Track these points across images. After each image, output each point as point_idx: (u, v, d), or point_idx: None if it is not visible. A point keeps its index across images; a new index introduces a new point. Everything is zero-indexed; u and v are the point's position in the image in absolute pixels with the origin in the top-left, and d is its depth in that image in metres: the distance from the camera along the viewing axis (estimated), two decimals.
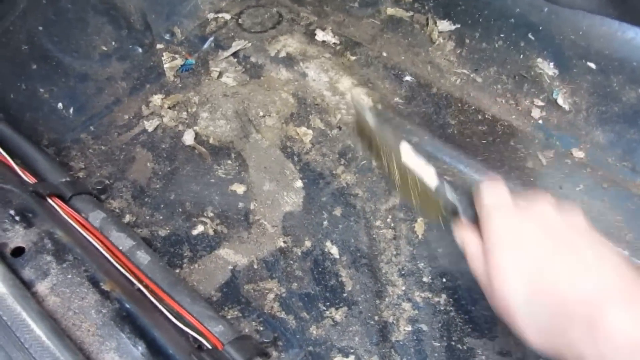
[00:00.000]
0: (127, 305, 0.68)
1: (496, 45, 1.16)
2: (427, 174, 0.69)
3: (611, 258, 0.54)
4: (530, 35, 1.14)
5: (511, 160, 0.98)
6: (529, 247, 0.56)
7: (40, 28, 1.12)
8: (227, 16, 1.28)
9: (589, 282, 0.52)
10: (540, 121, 1.05)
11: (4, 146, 0.91)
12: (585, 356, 0.50)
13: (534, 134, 1.03)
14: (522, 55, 1.13)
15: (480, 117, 1.04)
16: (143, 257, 0.83)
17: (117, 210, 0.94)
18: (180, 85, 1.17)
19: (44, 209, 0.79)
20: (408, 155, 0.71)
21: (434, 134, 1.02)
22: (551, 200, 0.59)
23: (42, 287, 0.67)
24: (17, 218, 0.72)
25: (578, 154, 1.00)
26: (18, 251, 0.71)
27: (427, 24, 1.23)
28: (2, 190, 0.76)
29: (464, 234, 0.63)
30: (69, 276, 0.69)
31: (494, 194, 0.62)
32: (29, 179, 0.86)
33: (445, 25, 1.22)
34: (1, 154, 0.85)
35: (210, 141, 1.06)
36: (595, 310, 0.49)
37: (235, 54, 1.21)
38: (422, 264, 0.88)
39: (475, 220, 0.63)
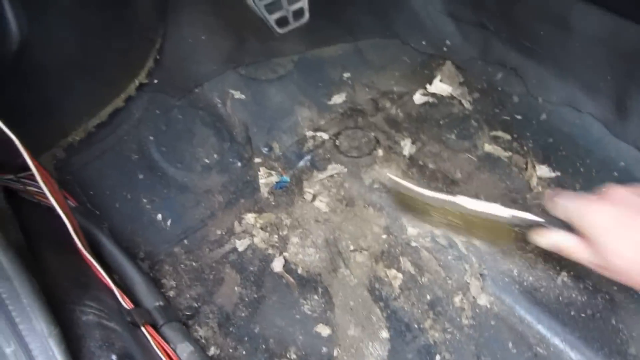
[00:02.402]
0: None
1: None
2: (497, 210, 0.87)
3: None
4: None
5: (611, 342, 0.93)
6: (629, 225, 0.71)
7: (151, 138, 1.17)
8: (325, 136, 1.30)
9: None
10: None
11: (105, 261, 0.95)
12: None
13: (639, 313, 0.97)
14: None
15: (580, 284, 1.00)
16: None
17: (203, 341, 0.95)
18: (273, 203, 1.18)
19: (141, 348, 0.80)
20: (470, 203, 0.90)
21: (530, 297, 0.98)
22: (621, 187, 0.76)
23: None
24: None
25: None
26: None
27: (526, 167, 1.21)
28: (106, 329, 0.78)
29: (557, 236, 0.80)
30: None
31: (572, 199, 0.78)
32: (126, 304, 0.88)
33: (544, 171, 1.19)
34: (105, 279, 0.88)
35: (299, 271, 1.06)
36: None
37: (330, 177, 1.22)
38: None
39: (560, 225, 0.80)
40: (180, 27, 1.28)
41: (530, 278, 1.01)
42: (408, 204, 1.09)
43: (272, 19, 1.03)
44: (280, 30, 1.03)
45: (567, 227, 0.79)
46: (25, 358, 0.65)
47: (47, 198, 0.85)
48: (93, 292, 0.85)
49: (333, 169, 1.23)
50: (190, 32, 1.29)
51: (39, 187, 0.88)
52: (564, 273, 1.01)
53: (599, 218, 0.73)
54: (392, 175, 1.12)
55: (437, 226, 1.08)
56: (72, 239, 0.86)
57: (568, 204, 0.78)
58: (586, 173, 1.18)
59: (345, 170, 1.23)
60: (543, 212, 0.84)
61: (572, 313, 0.96)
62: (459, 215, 0.95)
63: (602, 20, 1.11)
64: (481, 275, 1.01)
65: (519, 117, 1.33)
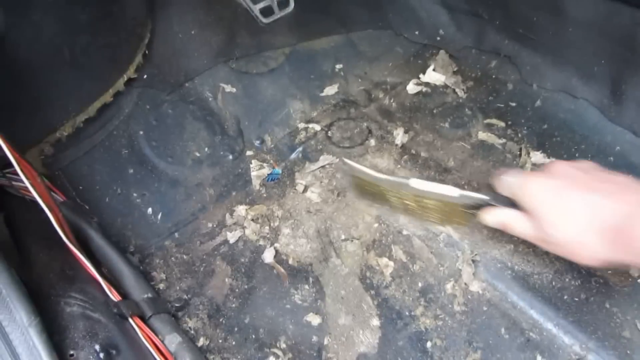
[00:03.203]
0: None
1: None
2: (447, 190, 0.86)
3: (630, 183, 0.70)
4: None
5: (605, 325, 0.91)
6: (567, 197, 0.71)
7: (141, 132, 1.17)
8: (317, 127, 1.30)
9: (624, 203, 0.67)
10: None
11: (94, 255, 0.95)
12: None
13: (633, 296, 0.95)
14: None
15: (574, 269, 0.98)
16: None
17: (192, 332, 0.95)
18: (265, 195, 1.18)
19: (127, 339, 0.80)
20: (421, 184, 0.89)
21: (523, 283, 0.97)
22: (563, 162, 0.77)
23: None
24: (101, 355, 0.73)
25: None
26: None
27: (520, 154, 1.19)
28: (90, 320, 0.77)
29: (501, 212, 0.82)
30: None
31: (516, 175, 0.79)
32: (114, 296, 0.88)
33: (539, 157, 1.18)
34: (92, 271, 0.87)
35: (290, 261, 1.06)
36: (628, 222, 0.65)
37: (321, 168, 1.21)
38: None
39: (506, 203, 0.80)
40: (169, 22, 1.28)
41: (523, 264, 0.99)
42: (365, 189, 1.04)
43: (256, 8, 1.03)
44: (264, 20, 1.03)
45: (513, 205, 0.79)
46: (5, 348, 0.65)
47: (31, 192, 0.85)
48: (79, 284, 0.85)
49: (325, 159, 1.22)
50: (180, 27, 1.29)
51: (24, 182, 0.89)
52: (557, 258, 0.99)
53: (537, 190, 0.75)
54: (347, 159, 1.10)
55: (397, 211, 1.07)
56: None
57: (511, 180, 0.80)
58: (582, 158, 1.16)
59: (337, 160, 1.22)
60: (491, 191, 0.85)
61: (565, 297, 0.95)
62: (412, 198, 0.93)
63: (595, 4, 1.10)
64: (473, 261, 1.00)
65: (513, 104, 1.32)
